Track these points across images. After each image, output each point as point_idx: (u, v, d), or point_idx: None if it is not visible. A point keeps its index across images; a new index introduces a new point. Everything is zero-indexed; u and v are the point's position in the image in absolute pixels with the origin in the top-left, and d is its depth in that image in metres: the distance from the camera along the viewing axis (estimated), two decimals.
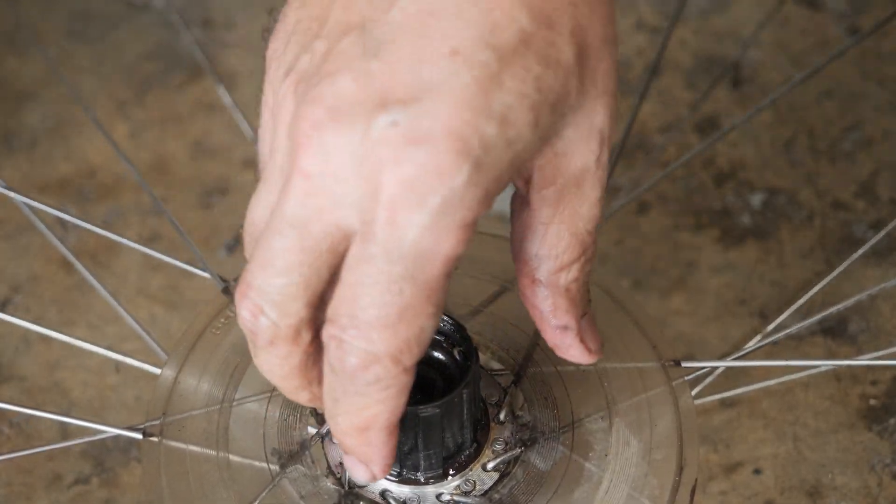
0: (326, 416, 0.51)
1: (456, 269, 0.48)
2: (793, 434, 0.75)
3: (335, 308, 0.47)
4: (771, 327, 0.63)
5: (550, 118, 0.47)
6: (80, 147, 0.95)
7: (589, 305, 0.55)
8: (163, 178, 0.93)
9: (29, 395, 0.78)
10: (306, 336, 0.49)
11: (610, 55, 0.48)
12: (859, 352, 0.79)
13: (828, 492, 0.72)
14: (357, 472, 0.52)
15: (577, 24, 0.47)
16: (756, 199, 0.90)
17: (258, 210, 0.50)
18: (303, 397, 0.52)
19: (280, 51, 0.49)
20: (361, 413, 0.49)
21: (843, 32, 1.03)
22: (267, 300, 0.48)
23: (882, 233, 0.66)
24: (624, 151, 0.92)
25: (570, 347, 0.55)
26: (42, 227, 0.65)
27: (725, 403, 0.75)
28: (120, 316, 0.65)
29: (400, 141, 0.44)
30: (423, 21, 0.45)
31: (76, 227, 0.70)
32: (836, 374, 0.78)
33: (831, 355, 0.79)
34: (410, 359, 0.48)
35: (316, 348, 0.50)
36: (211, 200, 0.91)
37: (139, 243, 0.87)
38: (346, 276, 0.47)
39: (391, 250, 0.45)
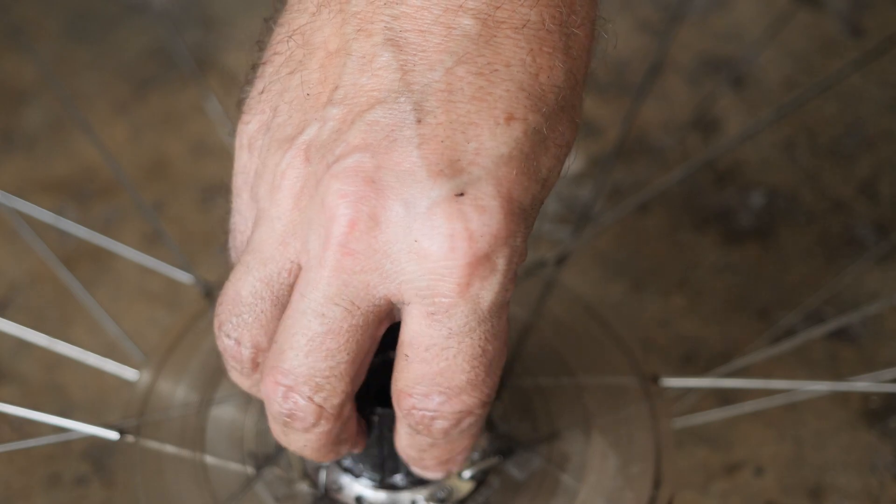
0: (407, 462, 0.52)
1: None
2: (794, 434, 0.75)
3: (410, 383, 0.46)
4: (767, 334, 0.63)
5: None
6: (79, 147, 0.95)
7: None
8: (163, 177, 0.93)
9: (28, 396, 0.78)
10: (349, 407, 0.49)
11: None
12: (861, 354, 0.79)
13: (829, 492, 0.72)
14: (430, 474, 0.53)
15: (586, 77, 0.47)
16: (756, 199, 0.90)
17: (244, 287, 0.47)
18: (330, 456, 0.51)
19: (267, 116, 0.47)
20: (451, 451, 0.50)
21: (844, 31, 1.03)
22: (309, 384, 0.46)
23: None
24: (625, 152, 0.92)
25: None
26: (30, 234, 0.65)
27: (727, 402, 0.75)
28: (117, 317, 0.65)
29: (467, 211, 0.43)
30: (472, 83, 0.43)
31: (75, 227, 0.70)
32: (837, 375, 0.78)
33: (832, 358, 0.79)
34: (494, 392, 0.48)
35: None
36: (211, 200, 0.91)
37: (141, 243, 0.88)
38: (416, 352, 0.46)
39: (471, 320, 0.45)
